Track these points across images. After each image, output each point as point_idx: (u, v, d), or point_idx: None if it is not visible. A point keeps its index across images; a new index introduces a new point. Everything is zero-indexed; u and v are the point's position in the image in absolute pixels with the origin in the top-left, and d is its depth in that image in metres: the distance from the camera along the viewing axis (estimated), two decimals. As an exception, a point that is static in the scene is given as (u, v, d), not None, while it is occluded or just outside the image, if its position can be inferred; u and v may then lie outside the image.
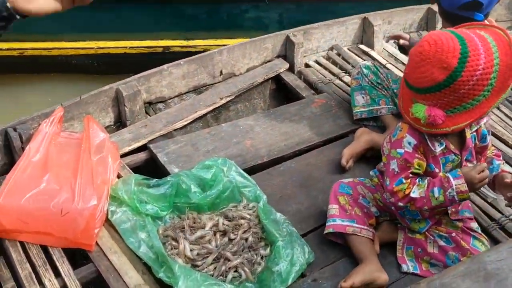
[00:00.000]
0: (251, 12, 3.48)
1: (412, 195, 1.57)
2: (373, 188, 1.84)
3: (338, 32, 2.86)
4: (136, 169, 2.06)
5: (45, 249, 1.64)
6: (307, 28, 2.74)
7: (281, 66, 2.68)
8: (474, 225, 1.76)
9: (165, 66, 2.32)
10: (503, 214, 2.01)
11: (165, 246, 1.65)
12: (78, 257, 1.74)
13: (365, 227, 1.73)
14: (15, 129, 1.88)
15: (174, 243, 1.66)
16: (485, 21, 1.96)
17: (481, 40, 1.48)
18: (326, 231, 1.76)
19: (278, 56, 2.72)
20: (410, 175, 1.59)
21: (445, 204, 1.58)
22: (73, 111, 2.05)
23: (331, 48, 2.86)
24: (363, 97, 2.24)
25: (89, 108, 2.12)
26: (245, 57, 2.59)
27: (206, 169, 1.87)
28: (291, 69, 2.72)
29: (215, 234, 1.72)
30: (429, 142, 1.59)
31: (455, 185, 1.53)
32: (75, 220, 1.60)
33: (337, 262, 1.74)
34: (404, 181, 1.58)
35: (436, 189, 1.55)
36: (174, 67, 2.35)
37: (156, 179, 1.86)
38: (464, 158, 1.64)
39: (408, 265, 1.73)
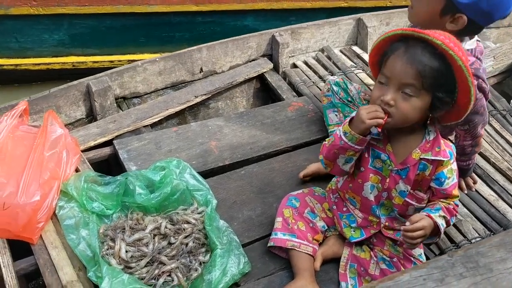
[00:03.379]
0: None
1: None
2: (322, 197, 1.81)
3: (330, 33, 2.78)
4: (100, 164, 2.10)
5: (-9, 239, 1.70)
6: (295, 28, 2.68)
7: (265, 66, 2.64)
8: (417, 251, 1.69)
9: (139, 62, 2.33)
10: (465, 237, 1.93)
11: (103, 246, 1.68)
12: (23, 249, 1.79)
13: (305, 242, 1.69)
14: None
15: (111, 243, 1.68)
16: None
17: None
18: (268, 244, 1.74)
19: (263, 56, 2.68)
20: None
21: (335, 142, 1.54)
22: (42, 104, 2.10)
23: (322, 50, 2.79)
24: (336, 115, 2.15)
25: (59, 102, 2.16)
26: (227, 55, 2.56)
27: (157, 171, 1.88)
28: (276, 69, 2.67)
29: (154, 237, 1.73)
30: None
31: (344, 124, 1.52)
32: (17, 214, 1.65)
33: (275, 274, 1.72)
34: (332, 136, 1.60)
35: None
36: (149, 64, 2.36)
37: (109, 177, 1.89)
38: (394, 172, 1.57)
39: (348, 283, 1.68)
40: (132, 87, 2.36)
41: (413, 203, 1.59)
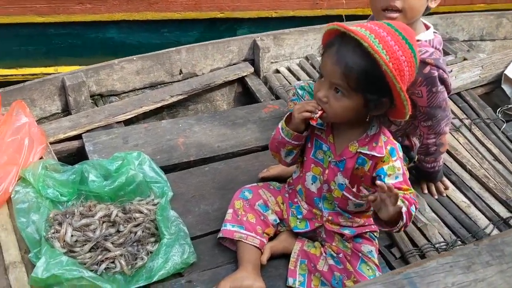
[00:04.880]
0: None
1: None
2: (277, 190, 1.78)
3: (315, 40, 2.78)
4: (68, 157, 2.12)
5: None
6: (278, 33, 2.70)
7: (246, 70, 2.65)
8: (366, 248, 1.62)
9: (115, 60, 2.38)
10: (429, 241, 1.85)
11: (50, 229, 1.68)
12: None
13: (253, 234, 1.66)
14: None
15: (58, 227, 1.68)
16: None
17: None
18: (218, 236, 1.72)
19: (245, 60, 2.70)
20: None
21: (275, 136, 1.56)
22: (16, 96, 2.16)
23: (306, 57, 2.79)
24: None
25: (33, 95, 2.22)
26: (208, 57, 2.59)
27: (114, 161, 1.89)
28: (257, 73, 2.68)
29: (102, 224, 1.72)
30: None
31: (283, 119, 1.53)
32: (-32, 195, 1.69)
33: (222, 267, 1.69)
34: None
35: None
36: (126, 62, 2.40)
37: (69, 166, 1.91)
38: (333, 163, 1.54)
39: (296, 280, 1.63)
40: (109, 85, 2.40)
41: (351, 197, 1.55)
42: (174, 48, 2.50)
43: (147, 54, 2.45)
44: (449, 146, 2.21)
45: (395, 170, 1.49)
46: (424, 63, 1.69)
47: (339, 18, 3.07)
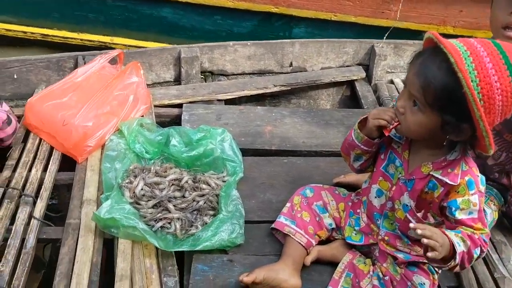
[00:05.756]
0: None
1: None
2: (342, 197, 1.71)
3: (440, 56, 2.58)
4: (166, 121, 2.29)
5: (52, 149, 2.00)
6: (400, 43, 2.57)
7: (357, 74, 2.57)
8: (418, 278, 1.48)
9: (230, 42, 2.48)
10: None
11: (126, 179, 1.84)
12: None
13: (302, 232, 1.62)
14: (83, 58, 2.31)
15: (132, 179, 1.83)
16: None
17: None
18: (271, 226, 1.72)
19: (360, 64, 2.62)
20: None
21: (347, 137, 1.52)
22: (136, 58, 2.38)
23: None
24: None
25: (152, 60, 2.43)
26: (321, 55, 2.57)
27: (198, 132, 1.99)
28: (369, 79, 2.59)
29: (171, 186, 1.83)
30: None
31: (358, 120, 1.48)
32: (71, 133, 1.92)
33: (267, 256, 1.68)
34: None
35: None
36: (239, 46, 2.50)
37: (161, 128, 2.06)
38: (402, 181, 1.42)
39: None
40: (221, 65, 2.53)
41: (413, 222, 1.42)
42: (288, 40, 2.54)
43: (261, 41, 2.52)
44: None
45: (470, 204, 1.33)
46: None
47: (405, 31, 2.79)
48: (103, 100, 2.02)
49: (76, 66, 2.32)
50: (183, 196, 1.82)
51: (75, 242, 1.65)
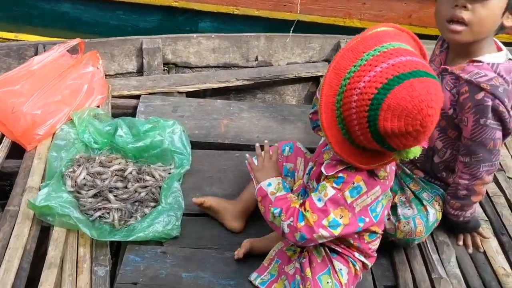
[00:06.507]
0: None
1: None
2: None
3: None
4: (122, 112, 2.25)
5: (3, 136, 2.00)
6: (366, 40, 2.53)
7: (322, 70, 2.54)
8: (338, 265, 1.46)
9: (194, 34, 2.47)
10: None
11: (69, 168, 1.84)
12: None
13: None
14: (44, 46, 2.32)
15: (76, 168, 1.83)
16: None
17: None
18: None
19: (326, 60, 2.60)
20: None
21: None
22: (98, 48, 2.37)
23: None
24: None
25: (114, 51, 2.42)
26: (286, 50, 2.55)
27: (147, 123, 1.98)
28: (334, 76, 2.56)
29: (114, 176, 1.83)
30: None
31: None
32: (19, 120, 1.92)
33: (202, 250, 1.68)
34: None
35: None
36: (203, 38, 2.48)
37: (112, 118, 2.06)
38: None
39: (260, 276, 1.55)
40: (184, 57, 2.51)
41: None
42: (253, 34, 2.52)
43: (225, 34, 2.50)
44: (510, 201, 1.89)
45: (323, 191, 1.32)
46: (478, 87, 1.45)
47: (311, 25, 2.72)
48: (54, 89, 2.02)
49: (36, 54, 2.32)
50: (125, 187, 1.82)
51: (11, 229, 1.65)
